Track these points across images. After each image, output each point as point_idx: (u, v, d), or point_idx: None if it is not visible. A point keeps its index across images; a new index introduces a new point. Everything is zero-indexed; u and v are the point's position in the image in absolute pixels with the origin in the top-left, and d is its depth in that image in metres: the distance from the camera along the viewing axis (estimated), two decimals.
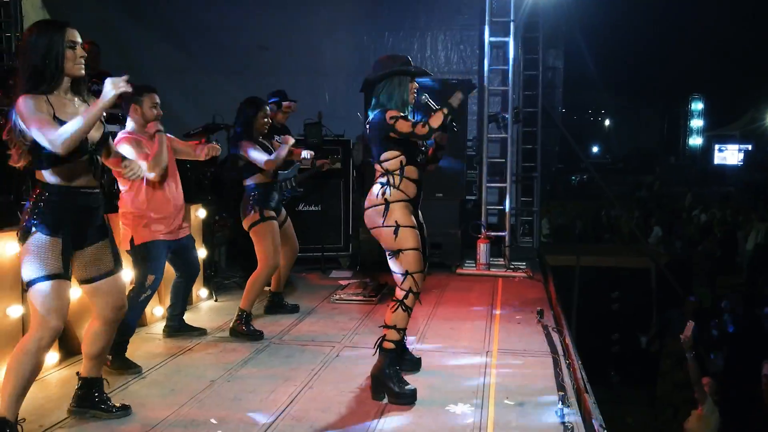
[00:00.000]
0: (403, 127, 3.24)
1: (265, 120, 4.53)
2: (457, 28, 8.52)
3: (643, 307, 8.58)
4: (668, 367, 7.10)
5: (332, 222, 6.73)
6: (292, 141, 4.52)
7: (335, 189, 6.77)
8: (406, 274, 3.27)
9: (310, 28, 8.35)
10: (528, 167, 8.58)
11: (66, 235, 2.68)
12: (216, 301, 5.30)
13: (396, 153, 3.32)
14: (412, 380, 3.50)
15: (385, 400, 3.26)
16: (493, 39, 7.17)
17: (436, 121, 3.22)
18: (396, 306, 3.31)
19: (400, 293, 3.32)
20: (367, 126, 3.42)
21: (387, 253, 3.36)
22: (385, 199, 3.30)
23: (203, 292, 5.30)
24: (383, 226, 3.29)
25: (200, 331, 4.37)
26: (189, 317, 4.81)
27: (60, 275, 2.65)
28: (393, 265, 3.34)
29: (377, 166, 3.39)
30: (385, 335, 3.34)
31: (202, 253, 5.19)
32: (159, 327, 4.44)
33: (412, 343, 4.16)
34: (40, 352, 2.66)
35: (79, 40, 2.66)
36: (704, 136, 38.83)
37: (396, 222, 3.26)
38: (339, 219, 6.78)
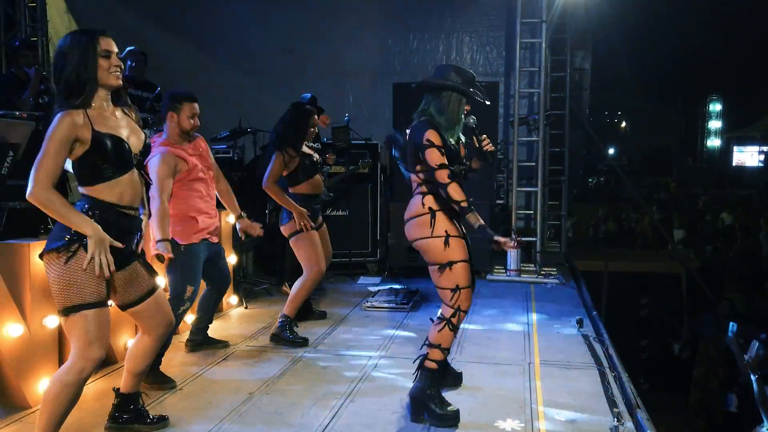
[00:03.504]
0: (430, 158, 3.00)
1: (313, 129, 4.47)
2: (483, 29, 8.40)
3: (673, 313, 8.41)
4: (702, 375, 6.95)
5: (360, 227, 6.64)
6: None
7: (363, 193, 6.67)
8: (456, 289, 3.05)
9: (334, 30, 8.27)
10: (555, 170, 8.44)
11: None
12: (246, 308, 5.22)
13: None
14: (454, 395, 3.40)
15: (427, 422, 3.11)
16: (523, 40, 7.04)
17: (454, 193, 2.96)
18: (443, 325, 3.10)
19: (447, 311, 3.10)
20: (407, 131, 3.23)
21: (432, 268, 3.13)
22: (430, 208, 3.08)
23: (233, 299, 5.21)
24: (431, 237, 3.07)
25: (224, 344, 4.23)
26: (220, 325, 4.75)
27: (104, 302, 2.47)
28: (439, 279, 3.10)
29: (413, 177, 3.17)
30: (427, 354, 3.15)
31: (232, 259, 5.11)
32: None
33: (450, 353, 4.04)
34: (82, 384, 2.48)
35: (115, 48, 2.50)
36: (722, 137, 38.40)
37: (446, 232, 3.05)
38: (367, 224, 6.68)
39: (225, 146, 6.26)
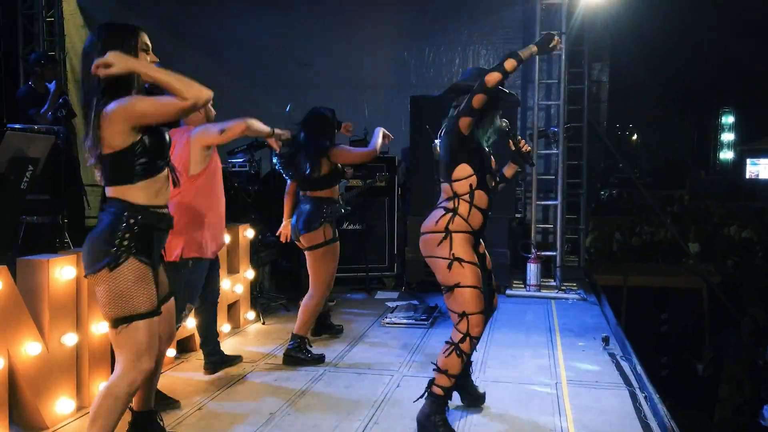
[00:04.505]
0: (476, 101, 2.85)
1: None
2: (499, 42, 8.34)
3: (694, 329, 8.24)
4: (727, 393, 6.77)
5: (377, 241, 6.55)
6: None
7: (380, 207, 6.60)
8: (463, 314, 2.94)
9: (350, 43, 8.25)
10: (572, 183, 8.33)
11: (155, 262, 2.46)
12: (263, 324, 5.13)
13: (468, 171, 3.01)
14: (480, 417, 3.30)
15: None
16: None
17: (509, 64, 2.78)
18: (450, 350, 2.97)
19: (456, 335, 2.98)
20: (438, 138, 3.14)
21: (442, 287, 3.04)
22: (446, 228, 2.96)
23: (250, 314, 5.13)
24: (439, 257, 2.97)
25: (239, 359, 4.13)
26: (237, 341, 4.68)
27: (156, 311, 2.39)
28: (448, 301, 3.01)
29: (445, 186, 3.08)
30: (434, 379, 3.04)
31: (249, 274, 5.05)
32: None
33: (473, 372, 3.93)
34: (132, 396, 2.43)
35: (150, 44, 2.46)
36: (735, 149, 38.13)
37: (453, 255, 2.93)
38: (384, 238, 6.60)
39: (242, 160, 6.22)
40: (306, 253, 4.21)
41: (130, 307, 2.33)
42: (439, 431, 2.96)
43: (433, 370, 3.05)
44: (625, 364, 4.20)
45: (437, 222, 3.00)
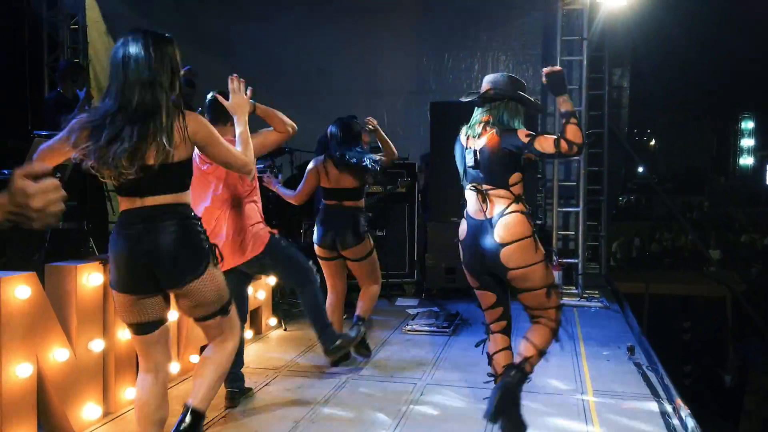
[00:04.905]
0: (546, 145, 2.76)
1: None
2: (519, 48, 8.30)
3: (718, 338, 8.12)
4: (754, 405, 6.66)
5: (397, 247, 6.53)
6: None
7: (400, 214, 6.57)
8: (560, 307, 3.13)
9: (369, 49, 8.25)
10: (593, 190, 8.25)
11: None
12: (285, 330, 5.13)
13: (520, 176, 2.98)
14: None
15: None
16: (562, 58, 6.93)
17: (577, 134, 2.72)
18: (549, 335, 3.13)
19: (552, 325, 3.12)
20: (479, 147, 2.99)
21: (536, 292, 2.97)
22: (533, 231, 2.93)
23: (272, 320, 5.13)
24: (537, 262, 2.91)
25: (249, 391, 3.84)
26: (260, 348, 4.68)
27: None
28: (547, 301, 3.01)
29: (499, 192, 2.94)
30: (530, 357, 3.08)
31: (271, 280, 5.05)
32: None
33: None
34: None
35: None
36: (755, 155, 37.69)
37: (543, 254, 2.96)
38: (404, 244, 6.57)
39: (262, 166, 6.21)
40: (358, 263, 4.22)
41: (227, 292, 2.57)
42: (519, 402, 3.02)
43: (538, 353, 3.11)
44: (651, 375, 4.14)
45: (523, 226, 2.89)
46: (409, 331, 5.15)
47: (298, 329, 5.18)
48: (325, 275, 4.30)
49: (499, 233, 2.90)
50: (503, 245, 2.89)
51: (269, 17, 8.29)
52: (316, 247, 4.27)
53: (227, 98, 2.98)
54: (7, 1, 6.89)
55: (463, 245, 3.07)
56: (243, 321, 3.75)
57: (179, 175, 2.40)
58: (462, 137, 3.12)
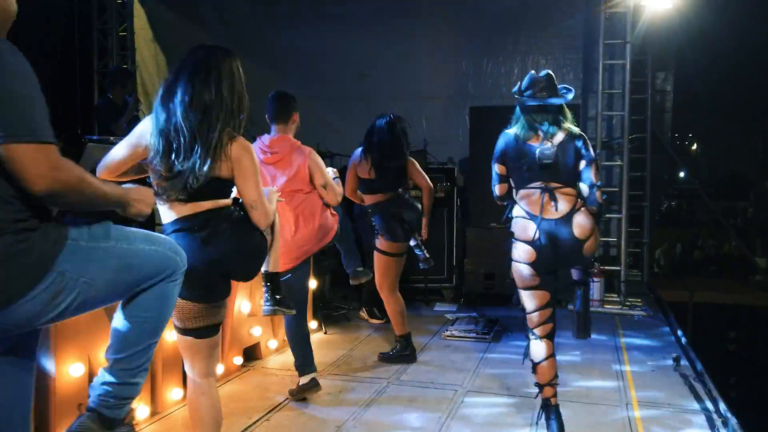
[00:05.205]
0: (595, 173, 3.08)
1: None
2: (560, 51, 8.20)
3: (766, 349, 7.87)
4: None
5: (436, 252, 6.47)
6: None
7: (439, 218, 6.54)
8: None
9: (408, 54, 8.25)
10: (635, 196, 8.10)
11: None
12: (325, 333, 5.16)
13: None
14: None
15: None
16: (604, 62, 6.83)
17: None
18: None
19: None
20: (550, 147, 3.04)
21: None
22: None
23: (313, 324, 5.17)
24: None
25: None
26: (288, 356, 4.70)
27: None
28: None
29: (568, 189, 3.05)
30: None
31: (312, 283, 5.08)
32: (274, 361, 4.33)
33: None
34: None
35: None
36: None
37: None
38: (443, 249, 6.54)
39: None
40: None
41: None
42: None
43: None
44: (698, 386, 4.04)
45: (592, 221, 3.06)
46: (448, 336, 5.13)
47: (339, 333, 5.22)
48: (394, 275, 4.45)
49: (578, 230, 3.00)
50: (585, 240, 3.02)
51: (311, 23, 8.36)
52: (392, 244, 4.36)
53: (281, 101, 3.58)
54: (59, 7, 7.11)
55: (534, 245, 3.02)
56: (304, 311, 3.94)
57: (218, 188, 2.36)
58: (520, 135, 3.10)
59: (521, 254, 3.05)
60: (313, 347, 4.81)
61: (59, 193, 1.67)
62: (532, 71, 3.22)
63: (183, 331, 2.46)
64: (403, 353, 4.47)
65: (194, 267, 2.23)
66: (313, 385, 3.72)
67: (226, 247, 2.34)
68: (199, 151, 2.26)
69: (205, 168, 2.26)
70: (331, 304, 5.76)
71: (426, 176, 4.54)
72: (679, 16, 7.62)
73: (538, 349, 3.14)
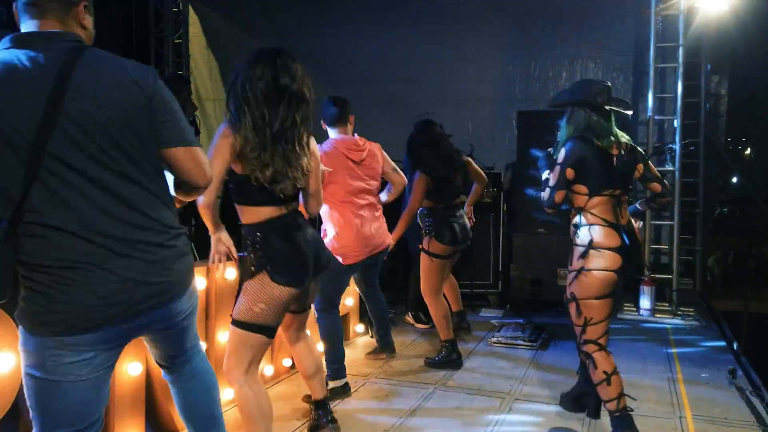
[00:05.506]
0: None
1: None
2: (609, 54, 8.07)
3: None
4: None
5: (481, 258, 6.48)
6: None
7: (484, 223, 6.51)
8: None
9: (454, 58, 8.24)
10: (687, 202, 7.89)
11: None
12: (372, 337, 5.18)
13: None
14: None
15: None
16: (657, 65, 6.69)
17: None
18: None
19: None
20: (630, 154, 3.11)
21: None
22: None
23: (359, 327, 5.22)
24: None
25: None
26: (347, 354, 4.71)
27: None
28: None
29: (626, 197, 3.16)
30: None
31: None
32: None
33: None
34: None
35: None
36: None
37: None
38: (488, 254, 6.51)
39: None
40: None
41: None
42: None
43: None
44: (755, 401, 3.92)
45: None
46: (495, 343, 5.10)
47: None
48: (438, 279, 4.52)
49: (637, 237, 3.17)
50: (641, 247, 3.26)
51: (356, 27, 8.43)
52: (442, 247, 4.44)
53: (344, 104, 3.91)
54: (118, 15, 7.35)
55: (621, 251, 3.00)
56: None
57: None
58: (602, 142, 3.07)
59: (606, 262, 2.99)
60: (360, 350, 4.90)
61: (206, 186, 2.03)
62: (595, 79, 3.27)
63: (269, 328, 2.66)
64: (450, 358, 4.48)
65: (294, 250, 2.59)
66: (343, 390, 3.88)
67: (316, 235, 2.74)
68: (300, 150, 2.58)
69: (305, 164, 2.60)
70: None
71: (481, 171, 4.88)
72: (734, 17, 7.40)
73: (608, 358, 3.10)
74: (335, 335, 3.92)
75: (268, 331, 2.63)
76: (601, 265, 2.99)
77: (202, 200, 2.50)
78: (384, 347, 4.57)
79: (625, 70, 8.09)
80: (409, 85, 8.38)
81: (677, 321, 5.97)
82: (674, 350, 5.05)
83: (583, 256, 3.02)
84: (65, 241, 1.73)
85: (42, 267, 1.73)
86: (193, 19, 8.09)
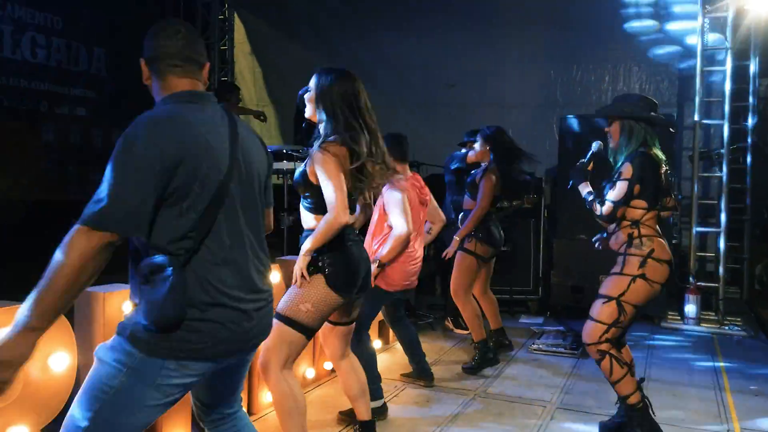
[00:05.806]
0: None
1: None
2: (653, 58, 7.93)
3: None
4: None
5: (522, 263, 6.44)
6: None
7: (525, 229, 6.48)
8: None
9: (495, 62, 8.21)
10: (734, 209, 7.68)
11: None
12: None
13: None
14: None
15: None
16: (704, 69, 6.55)
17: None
18: None
19: None
20: (651, 162, 3.16)
21: None
22: None
23: None
24: None
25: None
26: (387, 358, 4.80)
27: None
28: None
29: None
30: None
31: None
32: None
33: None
34: None
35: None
36: None
37: None
38: (529, 261, 6.46)
39: None
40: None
41: None
42: None
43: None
44: None
45: None
46: (535, 350, 5.07)
47: (424, 342, 5.20)
48: (471, 278, 4.61)
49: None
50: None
51: (399, 33, 8.47)
52: (485, 248, 4.55)
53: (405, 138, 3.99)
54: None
55: (671, 265, 3.17)
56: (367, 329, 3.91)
57: (320, 197, 2.68)
58: (659, 156, 3.19)
59: (661, 275, 3.14)
60: (400, 354, 4.91)
61: None
62: (641, 94, 3.28)
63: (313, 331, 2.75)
64: (485, 357, 4.53)
65: (358, 261, 2.70)
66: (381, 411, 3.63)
67: (366, 254, 2.82)
68: None
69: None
70: (416, 313, 5.80)
71: None
72: None
73: (625, 350, 3.35)
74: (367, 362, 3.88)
75: (307, 331, 2.68)
76: (657, 278, 3.12)
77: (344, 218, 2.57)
78: (421, 374, 4.26)
79: (670, 74, 7.94)
80: (451, 90, 8.38)
81: (724, 330, 5.83)
82: (721, 361, 4.93)
83: (643, 265, 3.12)
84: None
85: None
86: (238, 25, 8.25)
